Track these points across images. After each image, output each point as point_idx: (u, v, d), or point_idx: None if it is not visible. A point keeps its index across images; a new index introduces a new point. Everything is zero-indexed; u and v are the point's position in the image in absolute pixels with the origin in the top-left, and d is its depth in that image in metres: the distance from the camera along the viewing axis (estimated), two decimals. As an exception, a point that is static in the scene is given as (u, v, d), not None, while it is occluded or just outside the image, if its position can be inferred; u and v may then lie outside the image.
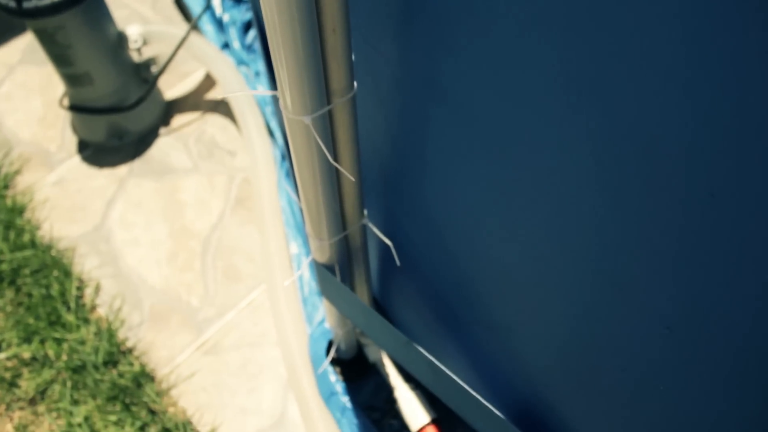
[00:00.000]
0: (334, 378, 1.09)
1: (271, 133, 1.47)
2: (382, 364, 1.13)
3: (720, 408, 0.47)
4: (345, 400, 1.07)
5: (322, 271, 0.88)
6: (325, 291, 0.92)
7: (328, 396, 1.08)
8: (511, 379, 0.76)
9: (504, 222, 0.59)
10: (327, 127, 0.65)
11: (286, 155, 1.33)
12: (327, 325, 1.15)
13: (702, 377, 0.47)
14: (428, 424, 1.07)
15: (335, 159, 0.69)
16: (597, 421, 0.65)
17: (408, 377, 1.13)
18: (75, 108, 1.47)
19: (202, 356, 1.22)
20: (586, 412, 0.66)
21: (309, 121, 0.60)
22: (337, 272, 0.87)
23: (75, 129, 1.56)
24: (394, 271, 0.94)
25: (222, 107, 1.61)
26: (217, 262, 1.34)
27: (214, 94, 1.63)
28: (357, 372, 1.17)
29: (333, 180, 0.73)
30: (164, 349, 1.24)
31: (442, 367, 0.78)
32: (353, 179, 0.70)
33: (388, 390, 1.14)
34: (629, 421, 0.60)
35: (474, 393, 0.76)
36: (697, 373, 0.47)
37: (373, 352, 1.14)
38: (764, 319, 0.38)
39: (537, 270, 0.58)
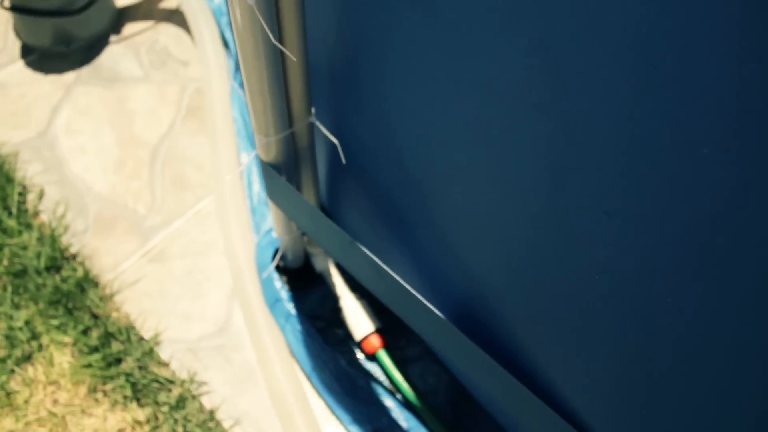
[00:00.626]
0: (280, 285, 1.08)
1: (225, 44, 1.42)
2: (329, 274, 1.13)
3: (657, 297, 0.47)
4: (290, 306, 1.07)
5: (268, 170, 0.86)
6: (271, 192, 0.91)
7: (272, 303, 1.08)
8: (453, 281, 0.77)
9: (456, 122, 0.57)
10: (272, 8, 0.63)
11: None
12: (274, 233, 1.14)
13: (638, 265, 0.47)
14: (372, 333, 1.07)
15: (280, 42, 0.67)
16: (535, 319, 0.66)
17: (354, 286, 1.13)
18: (17, 9, 1.39)
19: (147, 263, 1.21)
20: (525, 310, 0.67)
21: (252, 1, 0.58)
22: (284, 172, 0.85)
23: (18, 33, 1.49)
24: (341, 174, 0.93)
25: (176, 17, 1.55)
26: (166, 171, 1.31)
27: (168, 3, 1.57)
28: (303, 282, 1.16)
29: (278, 69, 0.71)
30: (109, 256, 1.22)
31: (386, 268, 0.78)
32: (295, 59, 0.68)
33: (333, 300, 1.15)
34: (566, 318, 0.60)
35: (416, 294, 0.76)
36: (630, 260, 0.47)
37: (320, 261, 1.14)
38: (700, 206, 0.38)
39: (481, 162, 0.57)
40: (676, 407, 0.53)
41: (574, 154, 0.46)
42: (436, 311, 0.75)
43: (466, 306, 0.77)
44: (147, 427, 1.06)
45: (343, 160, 0.85)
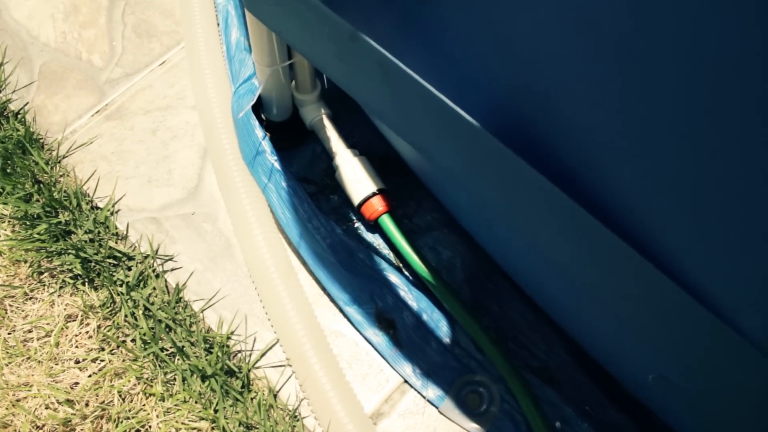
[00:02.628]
0: (261, 134, 0.87)
1: None
2: (322, 127, 0.91)
3: None
4: (273, 160, 0.86)
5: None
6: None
7: (252, 157, 0.87)
8: (496, 74, 0.55)
9: None
10: None
11: None
12: (255, 80, 0.91)
13: None
14: (374, 195, 0.86)
15: None
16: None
17: (351, 142, 0.92)
18: None
19: (103, 121, 1.00)
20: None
21: None
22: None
23: None
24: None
25: None
26: (128, 17, 1.08)
27: None
28: (290, 139, 0.95)
29: None
30: (58, 114, 1.00)
31: (398, 63, 0.56)
32: None
33: (326, 159, 0.94)
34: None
35: (441, 96, 0.54)
36: None
37: (310, 112, 0.92)
38: None
39: None
40: None
41: None
42: (471, 119, 0.53)
43: (513, 113, 0.55)
44: (101, 313, 0.87)
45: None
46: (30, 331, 0.88)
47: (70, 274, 0.90)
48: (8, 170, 0.94)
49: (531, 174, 0.50)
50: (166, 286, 0.89)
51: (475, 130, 0.53)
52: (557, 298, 0.75)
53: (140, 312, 0.86)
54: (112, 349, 0.86)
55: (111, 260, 0.90)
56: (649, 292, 0.50)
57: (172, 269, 0.89)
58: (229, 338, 0.85)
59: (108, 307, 0.88)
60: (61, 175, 0.96)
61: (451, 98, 0.54)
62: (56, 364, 0.86)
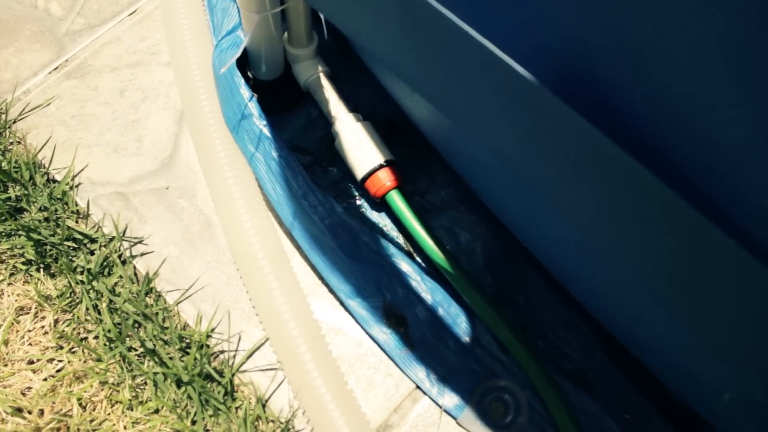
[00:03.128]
0: (248, 94, 0.73)
1: None
2: (319, 86, 0.78)
3: None
4: (261, 125, 0.72)
5: None
6: None
7: (236, 121, 0.73)
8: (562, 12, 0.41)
9: None
10: None
11: None
12: (241, 31, 0.77)
13: None
14: (381, 167, 0.73)
15: None
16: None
17: (354, 105, 0.78)
18: None
19: (62, 80, 0.85)
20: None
21: None
22: None
23: None
24: None
25: None
26: (91, -41, 0.93)
27: None
28: (282, 102, 0.81)
29: None
30: (8, 71, 0.86)
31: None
32: None
33: (324, 125, 0.80)
34: None
35: (480, 37, 0.41)
36: None
37: (305, 69, 0.78)
38: None
39: None
40: None
41: None
42: (524, 71, 0.40)
43: (581, 69, 0.42)
44: (59, 305, 0.73)
45: None
46: (-25, 326, 0.74)
47: (22, 260, 0.76)
48: (-51, 136, 0.80)
49: (598, 138, 0.37)
50: (135, 274, 0.75)
51: (529, 86, 0.40)
52: (607, 296, 0.62)
53: (104, 305, 0.73)
54: (72, 348, 0.73)
55: (70, 243, 0.76)
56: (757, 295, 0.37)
57: (142, 254, 0.76)
58: (209, 336, 0.72)
59: (67, 298, 0.74)
60: (11, 143, 0.82)
61: (496, 45, 0.41)
62: (5, 366, 0.73)
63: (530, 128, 0.43)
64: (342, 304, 0.73)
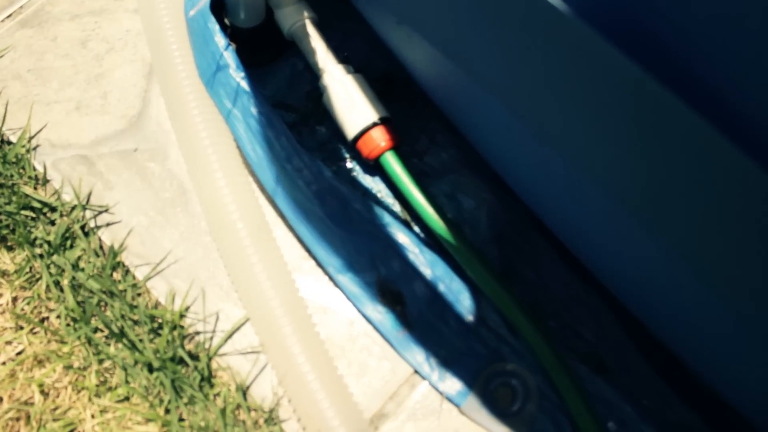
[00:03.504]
0: (224, 42, 0.64)
1: None
2: (305, 35, 0.69)
3: None
4: (239, 78, 0.64)
5: None
6: None
7: (211, 75, 0.64)
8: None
9: None
10: None
11: None
12: (214, -28, 0.68)
13: None
14: (375, 126, 0.65)
15: None
16: None
17: (344, 56, 0.70)
18: None
19: (17, 29, 0.76)
20: None
21: None
22: None
23: None
24: None
25: None
26: None
27: None
28: (263, 53, 0.72)
29: None
30: (-43, 19, 0.77)
31: None
32: None
33: (311, 79, 0.71)
34: None
35: None
36: None
37: (289, 15, 0.69)
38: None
39: None
40: None
41: None
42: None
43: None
44: (17, 281, 0.66)
45: None
46: (-77, 305, 0.67)
47: (-25, 231, 0.68)
48: None
49: (628, 67, 0.29)
50: (100, 247, 0.68)
51: (553, 14, 0.32)
52: (627, 268, 0.55)
53: (66, 281, 0.65)
54: (33, 329, 0.66)
55: (27, 212, 0.68)
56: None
57: (108, 224, 0.68)
58: (182, 316, 0.64)
59: (26, 274, 0.67)
60: (-39, 100, 0.73)
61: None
62: (-42, 348, 0.65)
63: (552, 68, 0.35)
64: (331, 279, 0.65)
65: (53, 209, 0.68)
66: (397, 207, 0.69)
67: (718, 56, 0.30)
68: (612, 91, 0.33)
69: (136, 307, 0.64)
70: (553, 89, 0.36)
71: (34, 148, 0.71)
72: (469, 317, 0.65)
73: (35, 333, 0.66)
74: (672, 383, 0.64)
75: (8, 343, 0.66)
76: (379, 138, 0.65)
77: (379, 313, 0.63)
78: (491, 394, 0.63)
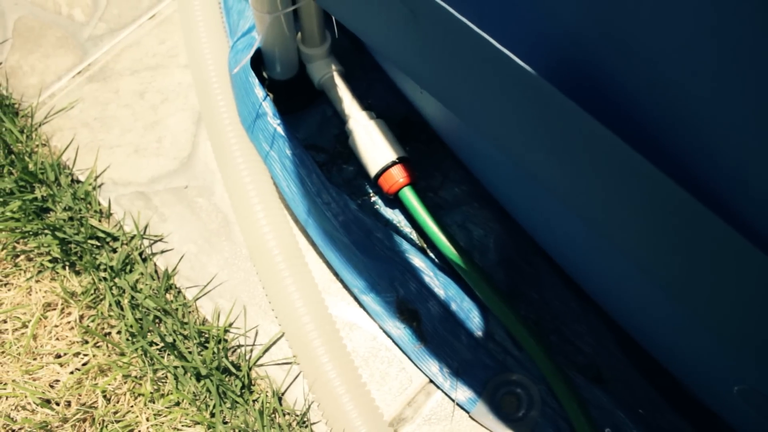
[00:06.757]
0: (262, 94, 0.74)
1: None
2: (333, 85, 0.79)
3: None
4: (275, 124, 0.74)
5: None
6: None
7: (251, 121, 0.75)
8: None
9: None
10: None
11: None
12: (256, 33, 0.79)
13: None
14: (394, 164, 0.74)
15: None
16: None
17: (368, 103, 0.79)
18: None
19: (85, 83, 0.88)
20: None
21: None
22: None
23: None
24: None
25: None
26: (112, -35, 0.96)
27: None
28: (297, 101, 0.82)
29: None
30: (34, 76, 0.89)
31: None
32: None
33: (338, 123, 0.81)
34: None
35: (489, 38, 0.41)
36: None
37: (319, 69, 0.80)
38: None
39: None
40: None
41: None
42: (526, 66, 0.40)
43: (580, 62, 0.43)
44: (84, 300, 0.76)
45: None
46: (5, 322, 0.77)
47: (49, 257, 0.79)
48: (-22, 139, 0.83)
49: (602, 133, 0.38)
50: (155, 271, 0.77)
51: (533, 81, 0.41)
52: (618, 290, 0.63)
53: (126, 301, 0.75)
54: (97, 343, 0.76)
55: (93, 241, 0.78)
56: None
57: (162, 251, 0.78)
58: (226, 331, 0.73)
59: (91, 295, 0.77)
60: (37, 145, 0.84)
61: (497, 39, 0.41)
62: (33, 359, 0.75)
63: (531, 122, 0.44)
64: (356, 299, 0.74)
65: (115, 239, 0.79)
66: (414, 235, 0.77)
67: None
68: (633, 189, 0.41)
69: (186, 323, 0.74)
70: (586, 180, 0.44)
71: (99, 186, 0.82)
72: (479, 333, 0.72)
73: (99, 346, 0.76)
74: (663, 392, 0.71)
75: (76, 354, 0.75)
76: (398, 175, 0.74)
77: (398, 329, 0.72)
78: (498, 402, 0.70)
